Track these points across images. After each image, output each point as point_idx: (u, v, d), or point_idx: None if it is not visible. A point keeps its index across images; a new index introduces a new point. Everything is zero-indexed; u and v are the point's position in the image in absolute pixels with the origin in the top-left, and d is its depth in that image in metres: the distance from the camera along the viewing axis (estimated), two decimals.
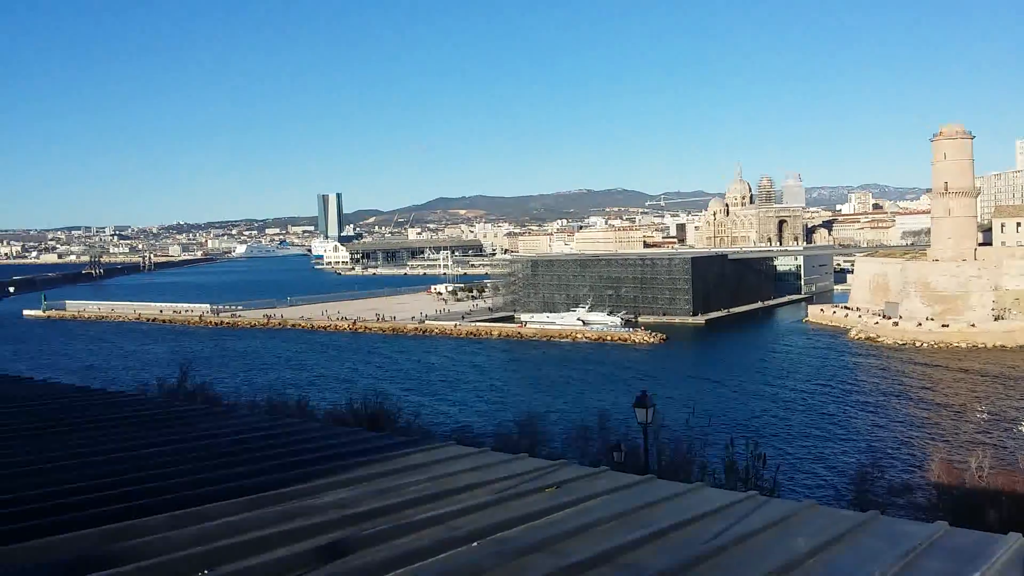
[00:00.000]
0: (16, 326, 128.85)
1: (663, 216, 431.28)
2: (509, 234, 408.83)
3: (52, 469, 8.84)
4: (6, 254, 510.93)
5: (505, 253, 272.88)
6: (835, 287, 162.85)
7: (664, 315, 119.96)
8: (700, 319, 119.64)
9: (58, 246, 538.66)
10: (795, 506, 7.64)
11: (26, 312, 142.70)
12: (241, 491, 7.49)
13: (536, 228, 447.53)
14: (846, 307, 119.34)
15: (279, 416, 17.20)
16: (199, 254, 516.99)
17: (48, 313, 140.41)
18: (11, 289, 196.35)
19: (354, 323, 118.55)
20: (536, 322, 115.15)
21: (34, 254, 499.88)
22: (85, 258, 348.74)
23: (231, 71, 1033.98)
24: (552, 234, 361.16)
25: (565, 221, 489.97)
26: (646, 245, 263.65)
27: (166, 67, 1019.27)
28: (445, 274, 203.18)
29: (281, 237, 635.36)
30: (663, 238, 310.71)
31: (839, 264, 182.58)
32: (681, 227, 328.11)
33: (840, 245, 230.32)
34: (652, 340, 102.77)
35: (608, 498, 7.66)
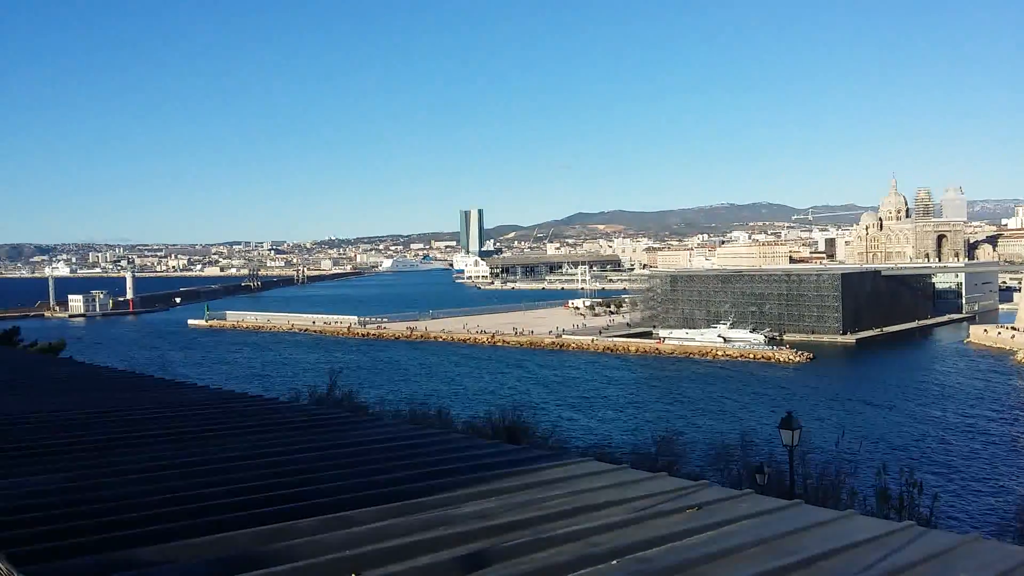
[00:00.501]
0: (182, 334, 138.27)
1: (811, 231, 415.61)
2: (648, 249, 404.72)
3: (212, 470, 9.41)
4: (174, 267, 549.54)
5: (643, 268, 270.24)
6: (1000, 306, 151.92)
7: (811, 333, 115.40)
8: (850, 338, 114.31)
9: (220, 260, 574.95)
10: (957, 538, 7.13)
11: (191, 321, 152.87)
12: (387, 498, 7.71)
13: (676, 243, 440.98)
14: (1013, 328, 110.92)
15: (421, 426, 17.62)
16: (348, 268, 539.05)
17: (210, 322, 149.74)
18: (178, 300, 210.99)
19: (493, 336, 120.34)
20: (675, 338, 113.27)
21: (199, 267, 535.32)
22: (244, 271, 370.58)
23: (380, 91, 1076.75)
24: (692, 249, 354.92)
25: (706, 236, 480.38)
26: (792, 261, 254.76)
27: (322, 92, 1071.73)
28: (583, 289, 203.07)
29: (425, 252, 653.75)
30: (811, 253, 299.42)
31: (1004, 282, 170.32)
32: (830, 242, 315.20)
33: (1006, 262, 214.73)
34: (798, 359, 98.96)
35: (751, 522, 7.40)
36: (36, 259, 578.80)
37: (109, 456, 10.34)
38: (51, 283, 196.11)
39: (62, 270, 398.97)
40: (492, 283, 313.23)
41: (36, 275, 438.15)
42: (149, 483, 8.77)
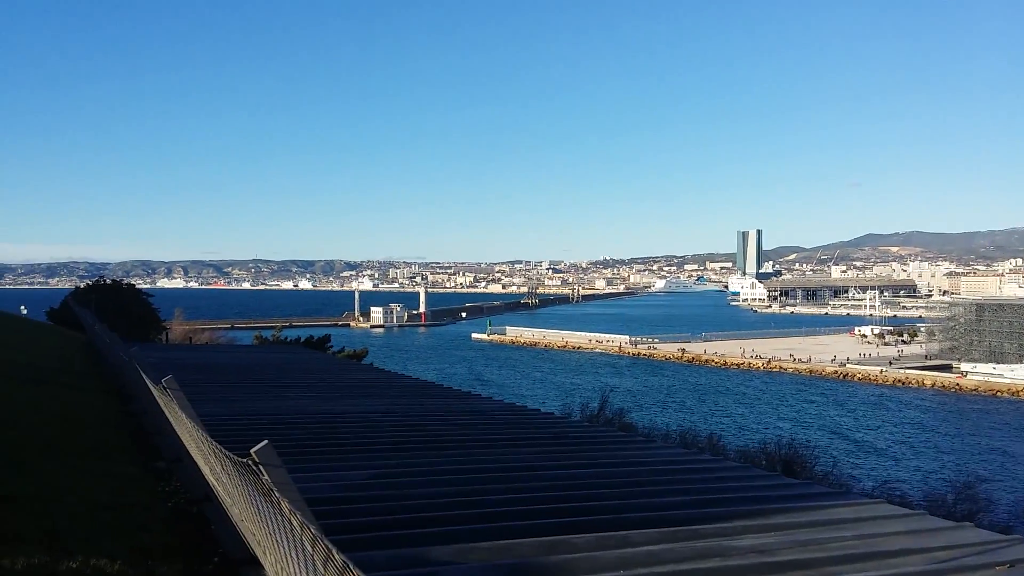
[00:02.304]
0: (466, 346, 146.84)
1: None
2: (949, 274, 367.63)
3: (496, 477, 9.91)
4: (461, 283, 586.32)
5: (943, 295, 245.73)
6: None
7: None
8: None
9: (503, 277, 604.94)
10: None
11: (474, 335, 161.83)
12: (661, 521, 7.69)
13: (983, 268, 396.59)
14: None
15: (693, 451, 17.32)
16: (622, 288, 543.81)
17: (491, 337, 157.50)
18: (463, 314, 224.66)
19: (768, 362, 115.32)
20: (980, 373, 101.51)
21: (483, 284, 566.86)
22: (524, 289, 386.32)
23: (656, 108, 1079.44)
24: (1003, 275, 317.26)
25: (1020, 260, 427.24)
26: None
27: (601, 116, 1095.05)
28: (871, 315, 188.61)
29: (699, 273, 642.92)
30: None
31: None
32: None
33: None
34: None
35: None
36: (345, 274, 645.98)
37: (405, 457, 11.26)
38: (357, 296, 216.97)
39: (366, 284, 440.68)
40: (769, 306, 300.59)
41: (344, 288, 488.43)
42: (440, 485, 9.43)
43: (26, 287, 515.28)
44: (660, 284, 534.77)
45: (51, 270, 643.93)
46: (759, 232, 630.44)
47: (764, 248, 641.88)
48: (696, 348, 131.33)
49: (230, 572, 7.44)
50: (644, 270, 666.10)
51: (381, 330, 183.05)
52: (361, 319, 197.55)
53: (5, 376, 20.47)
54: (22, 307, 74.85)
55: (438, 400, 18.89)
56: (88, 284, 65.59)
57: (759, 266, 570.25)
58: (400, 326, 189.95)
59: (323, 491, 8.43)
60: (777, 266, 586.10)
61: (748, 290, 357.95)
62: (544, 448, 12.52)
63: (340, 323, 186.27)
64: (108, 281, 64.84)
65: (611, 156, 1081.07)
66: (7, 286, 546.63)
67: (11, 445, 11.81)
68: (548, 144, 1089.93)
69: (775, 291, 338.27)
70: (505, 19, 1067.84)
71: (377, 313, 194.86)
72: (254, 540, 5.64)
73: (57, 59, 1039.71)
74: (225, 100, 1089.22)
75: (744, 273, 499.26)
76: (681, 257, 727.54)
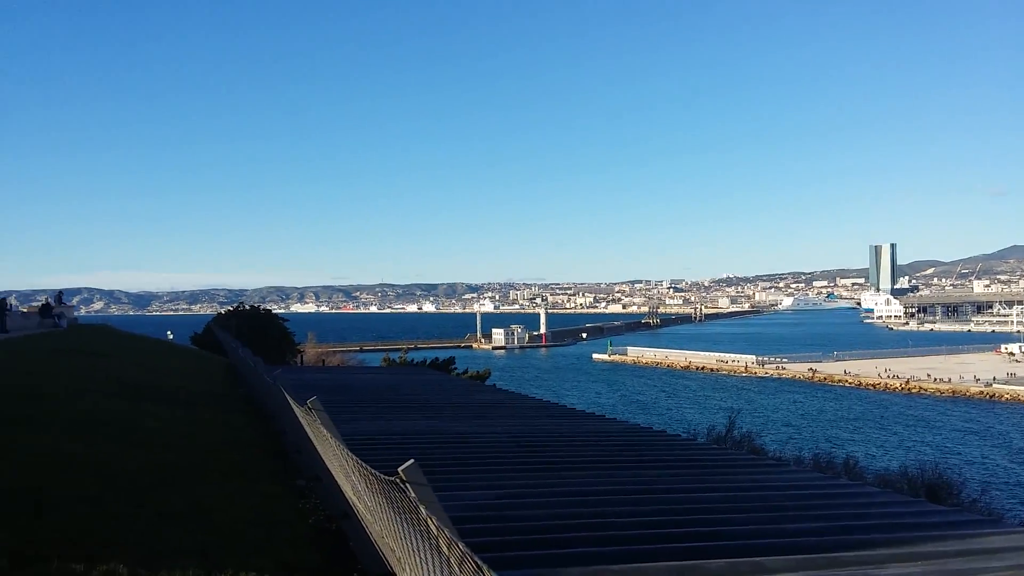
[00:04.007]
0: (587, 367, 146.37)
1: None
2: None
3: (623, 500, 9.88)
4: (581, 304, 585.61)
5: None
6: None
7: None
8: None
9: (622, 297, 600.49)
10: None
11: (595, 355, 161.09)
12: (797, 548, 7.49)
13: None
14: None
15: (829, 475, 16.70)
16: (746, 306, 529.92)
17: (612, 357, 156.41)
18: (584, 335, 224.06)
19: (906, 382, 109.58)
20: None
21: (603, 304, 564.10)
22: (644, 308, 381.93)
23: (782, 117, 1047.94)
24: None
25: None
26: None
27: (717, 128, 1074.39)
28: (1019, 332, 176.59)
29: (828, 290, 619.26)
30: None
31: None
32: None
33: None
34: None
35: None
36: (467, 296, 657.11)
37: (530, 477, 11.37)
38: (478, 318, 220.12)
39: (487, 306, 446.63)
40: (906, 323, 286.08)
41: (466, 310, 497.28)
42: (566, 506, 9.48)
43: (171, 313, 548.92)
44: (787, 302, 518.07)
45: (194, 296, 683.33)
46: (893, 246, 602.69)
47: (899, 263, 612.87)
48: (828, 368, 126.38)
49: None
50: (770, 287, 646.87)
51: (503, 351, 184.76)
52: (483, 340, 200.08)
53: (157, 399, 21.88)
54: (169, 332, 79.60)
55: (561, 421, 18.95)
56: (228, 309, 69.25)
57: (894, 281, 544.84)
58: (521, 347, 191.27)
59: (451, 511, 8.63)
60: (913, 281, 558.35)
61: (883, 307, 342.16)
62: (670, 470, 12.38)
63: (463, 345, 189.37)
64: (247, 306, 68.26)
65: (733, 169, 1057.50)
66: (154, 312, 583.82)
67: (165, 465, 12.64)
68: (667, 159, 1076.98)
69: (912, 307, 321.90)
70: (633, 30, 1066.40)
71: (498, 334, 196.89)
72: (393, 557, 5.85)
73: (204, 102, 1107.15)
74: (350, 134, 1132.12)
75: (878, 289, 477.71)
76: (809, 273, 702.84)
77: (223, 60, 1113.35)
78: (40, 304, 58.78)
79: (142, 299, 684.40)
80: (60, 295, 62.66)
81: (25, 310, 57.41)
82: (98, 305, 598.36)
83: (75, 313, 71.24)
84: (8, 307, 45.11)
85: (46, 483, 9.88)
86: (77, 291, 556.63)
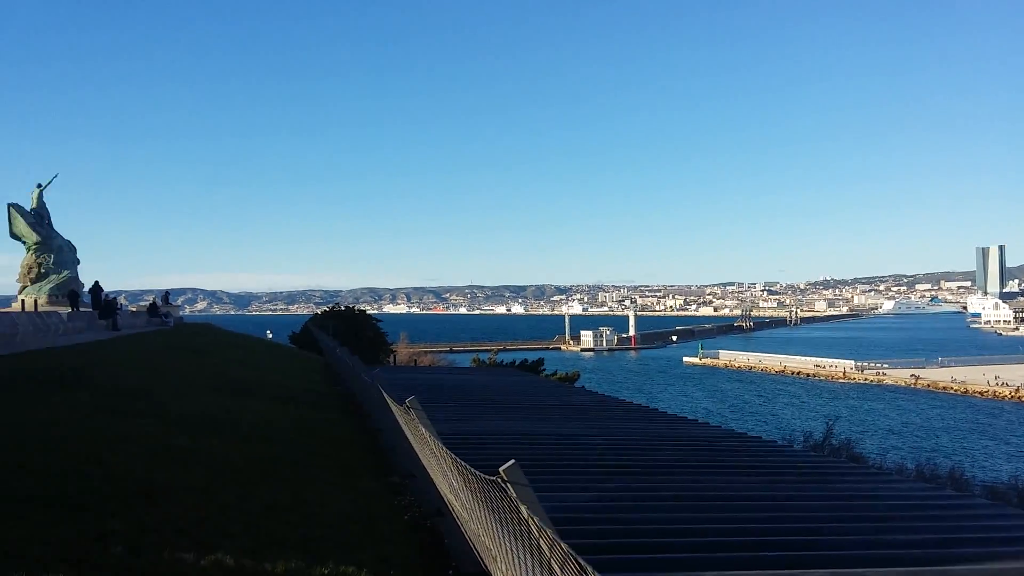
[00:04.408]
0: (677, 370, 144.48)
1: None
2: None
3: (717, 505, 9.76)
4: (671, 307, 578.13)
5: None
6: None
7: None
8: None
9: (714, 300, 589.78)
10: None
11: (685, 358, 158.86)
12: (901, 560, 7.26)
13: None
14: None
15: (933, 486, 16.07)
16: (844, 310, 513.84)
17: (703, 360, 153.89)
18: (674, 338, 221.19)
19: (1016, 390, 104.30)
20: None
21: (693, 307, 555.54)
22: (736, 312, 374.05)
23: (886, 109, 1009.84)
24: None
25: None
26: None
27: (815, 123, 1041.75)
28: None
29: (932, 293, 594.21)
30: None
31: None
32: None
33: None
34: None
35: None
36: (556, 298, 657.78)
37: (622, 481, 11.33)
38: (567, 320, 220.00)
39: (576, 308, 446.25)
40: (1016, 329, 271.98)
41: (555, 312, 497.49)
42: (659, 511, 9.42)
43: (270, 313, 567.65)
44: (888, 305, 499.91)
45: (291, 297, 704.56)
46: (1002, 247, 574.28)
47: (1008, 265, 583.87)
48: (931, 374, 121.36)
49: None
50: (869, 290, 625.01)
51: (591, 353, 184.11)
52: (571, 342, 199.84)
53: (261, 396, 22.70)
54: (268, 332, 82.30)
55: (652, 424, 18.79)
56: (325, 310, 71.19)
57: (1002, 285, 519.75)
58: (610, 349, 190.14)
59: (547, 512, 8.68)
60: (1023, 285, 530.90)
61: (990, 311, 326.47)
62: (766, 477, 12.14)
63: (551, 346, 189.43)
64: (342, 307, 70.02)
65: (831, 167, 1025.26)
66: (254, 312, 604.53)
67: (270, 459, 13.12)
68: (762, 157, 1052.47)
69: (1022, 312, 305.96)
70: (730, 20, 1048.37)
71: (587, 336, 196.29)
72: (489, 556, 5.94)
73: (313, 111, 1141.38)
74: (440, 139, 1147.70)
75: (985, 293, 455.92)
76: (911, 276, 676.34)
77: (329, 62, 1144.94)
78: (148, 303, 61.69)
79: (243, 299, 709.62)
80: (167, 295, 65.56)
81: (134, 309, 60.29)
82: (201, 305, 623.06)
83: (180, 312, 74.38)
84: (118, 306, 47.50)
85: (157, 474, 10.39)
86: (182, 291, 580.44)
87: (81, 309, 42.46)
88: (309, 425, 18.53)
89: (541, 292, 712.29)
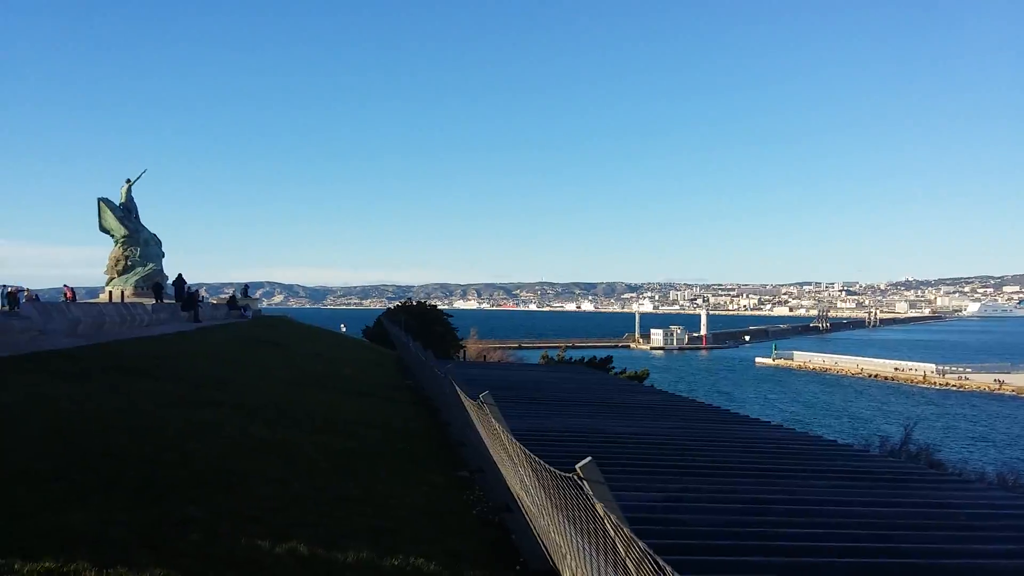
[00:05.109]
0: (749, 371, 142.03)
1: None
2: None
3: (789, 510, 9.59)
4: (744, 306, 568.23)
5: None
6: None
7: None
8: None
9: (789, 300, 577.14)
10: None
11: (758, 359, 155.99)
12: (984, 570, 7.03)
13: None
14: None
15: (1017, 494, 15.48)
16: (926, 311, 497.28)
17: (777, 361, 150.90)
18: (747, 338, 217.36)
19: None
20: None
21: (768, 307, 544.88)
22: (813, 312, 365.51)
23: (966, 102, 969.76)
24: None
25: None
26: None
27: (902, 122, 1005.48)
28: None
29: (1021, 296, 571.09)
30: None
31: None
32: None
33: None
34: None
35: None
36: (626, 296, 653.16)
37: (690, 481, 11.22)
38: (637, 318, 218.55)
39: (647, 306, 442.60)
40: None
41: (624, 310, 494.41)
42: (728, 513, 9.31)
43: (344, 307, 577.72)
44: (973, 307, 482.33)
45: (364, 292, 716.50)
46: None
47: None
48: (1017, 380, 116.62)
49: None
50: (954, 292, 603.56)
51: (661, 352, 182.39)
52: (641, 341, 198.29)
53: (335, 388, 23.18)
54: (342, 325, 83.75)
55: (721, 425, 18.54)
56: (397, 304, 72.19)
57: None
58: (680, 348, 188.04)
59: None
60: None
61: None
62: (840, 482, 11.87)
63: (620, 344, 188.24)
64: (414, 302, 70.91)
65: (914, 163, 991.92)
66: (328, 306, 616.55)
67: (343, 451, 13.40)
68: (839, 151, 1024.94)
69: None
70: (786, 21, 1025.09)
71: (657, 335, 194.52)
72: (559, 553, 5.97)
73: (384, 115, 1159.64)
74: (510, 133, 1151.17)
75: None
76: (999, 278, 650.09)
77: (418, 59, 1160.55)
78: (228, 296, 63.54)
79: (318, 293, 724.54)
80: (246, 288, 67.46)
81: (215, 301, 62.16)
82: (278, 298, 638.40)
83: (258, 305, 76.35)
84: (200, 298, 49.06)
85: (234, 463, 10.72)
86: (260, 284, 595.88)
87: (165, 301, 43.96)
88: (381, 418, 18.84)
89: (611, 289, 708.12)
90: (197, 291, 49.20)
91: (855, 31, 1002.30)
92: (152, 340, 26.72)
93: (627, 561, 3.79)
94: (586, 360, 52.26)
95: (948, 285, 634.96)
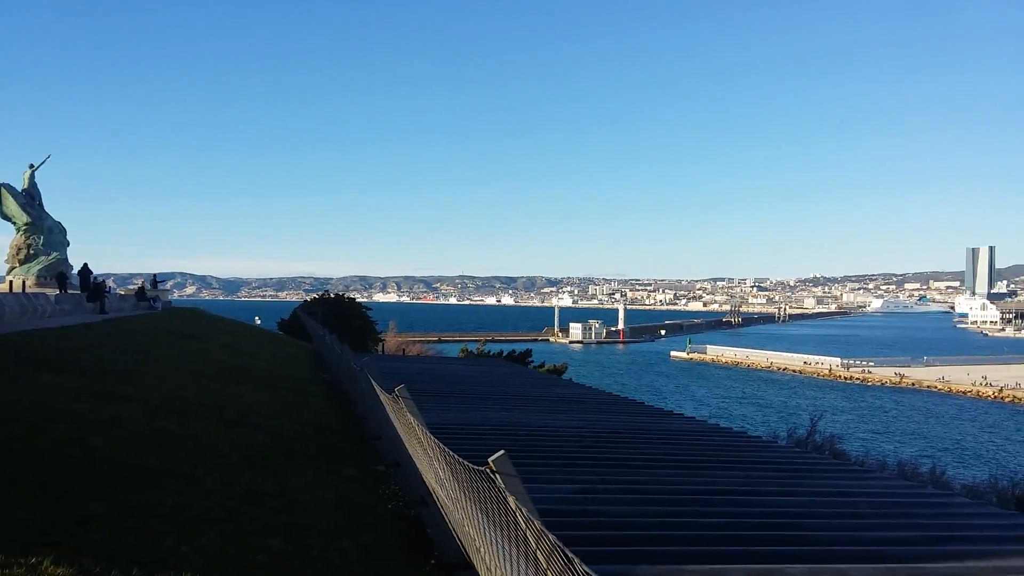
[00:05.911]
0: (664, 364, 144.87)
1: None
2: None
3: (704, 500, 9.81)
4: (660, 301, 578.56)
5: None
6: None
7: None
8: None
9: (703, 295, 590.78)
10: None
11: (673, 353, 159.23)
12: (881, 556, 7.32)
13: None
14: None
15: (915, 483, 16.21)
16: (833, 307, 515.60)
17: (691, 355, 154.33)
18: (662, 332, 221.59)
19: (1000, 391, 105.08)
20: None
21: (683, 302, 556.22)
22: (726, 307, 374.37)
23: (875, 116, 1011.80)
24: None
25: None
26: None
27: (804, 127, 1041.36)
28: None
29: (921, 292, 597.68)
30: None
31: None
32: None
33: None
34: None
35: None
36: (546, 290, 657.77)
37: (605, 473, 11.38)
38: (556, 312, 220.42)
39: (566, 301, 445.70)
40: (1003, 330, 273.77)
41: (545, 304, 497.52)
42: (641, 504, 9.47)
43: (259, 299, 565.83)
44: (876, 304, 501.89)
45: (280, 284, 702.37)
46: (991, 248, 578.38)
47: (997, 267, 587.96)
48: (916, 373, 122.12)
49: (445, 574, 7.88)
50: (858, 288, 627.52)
51: (579, 346, 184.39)
52: (560, 335, 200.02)
53: (247, 381, 22.65)
54: (256, 318, 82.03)
55: (637, 418, 18.86)
56: (314, 297, 70.97)
57: (991, 286, 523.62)
58: (598, 342, 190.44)
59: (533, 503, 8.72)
60: (1012, 286, 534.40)
61: (978, 312, 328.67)
62: (749, 472, 12.22)
63: (540, 338, 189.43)
64: (332, 295, 69.85)
65: (822, 167, 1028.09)
66: (243, 298, 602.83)
67: (256, 446, 13.10)
68: (754, 154, 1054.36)
69: (1010, 313, 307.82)
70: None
71: (576, 329, 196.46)
72: (472, 546, 5.97)
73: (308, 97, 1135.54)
74: (432, 128, 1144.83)
75: (973, 293, 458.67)
76: (901, 275, 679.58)
77: (323, 52, 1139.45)
78: (136, 287, 61.41)
79: (232, 284, 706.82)
80: (155, 279, 65.28)
81: (122, 292, 59.99)
82: (190, 289, 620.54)
83: (168, 297, 74.04)
84: (107, 289, 47.26)
85: (141, 458, 10.36)
86: (171, 275, 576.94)
87: (69, 292, 42.21)
88: (295, 412, 18.51)
89: (531, 284, 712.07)
90: (104, 281, 47.35)
91: (757, 40, 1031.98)
92: (55, 331, 25.60)
93: (538, 553, 3.80)
94: (506, 354, 52.42)
95: (853, 282, 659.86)
